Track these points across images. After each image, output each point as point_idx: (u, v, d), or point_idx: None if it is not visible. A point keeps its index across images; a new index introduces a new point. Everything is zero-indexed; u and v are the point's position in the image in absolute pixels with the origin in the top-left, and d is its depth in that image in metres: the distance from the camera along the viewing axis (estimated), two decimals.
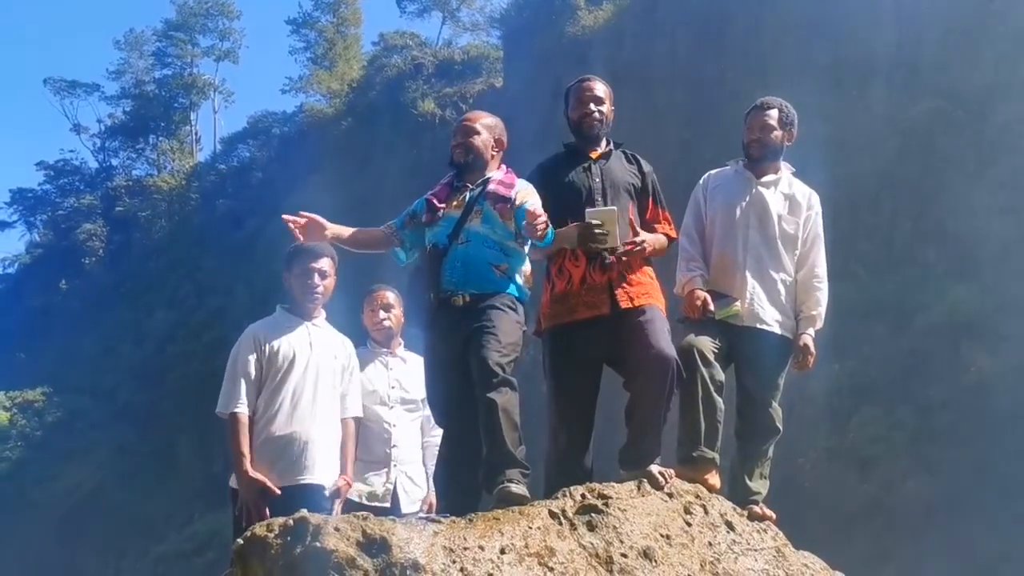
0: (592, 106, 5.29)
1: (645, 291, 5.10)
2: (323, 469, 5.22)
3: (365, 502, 5.92)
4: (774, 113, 5.55)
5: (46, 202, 57.90)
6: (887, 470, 18.30)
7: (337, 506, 5.14)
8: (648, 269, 5.23)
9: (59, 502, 39.97)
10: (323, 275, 5.41)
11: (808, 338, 5.40)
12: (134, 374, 43.64)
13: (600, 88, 5.37)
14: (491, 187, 4.95)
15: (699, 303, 5.21)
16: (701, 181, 5.67)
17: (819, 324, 5.47)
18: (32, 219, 58.31)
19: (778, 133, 5.54)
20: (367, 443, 5.93)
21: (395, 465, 5.97)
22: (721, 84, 23.10)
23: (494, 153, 5.08)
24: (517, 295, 4.92)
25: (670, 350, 4.92)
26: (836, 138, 19.29)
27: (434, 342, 4.88)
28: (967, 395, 17.56)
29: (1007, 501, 16.30)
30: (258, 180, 48.41)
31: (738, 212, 5.43)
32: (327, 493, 5.20)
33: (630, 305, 5.01)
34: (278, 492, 5.01)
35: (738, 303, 5.25)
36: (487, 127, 5.07)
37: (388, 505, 5.78)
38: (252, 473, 5.04)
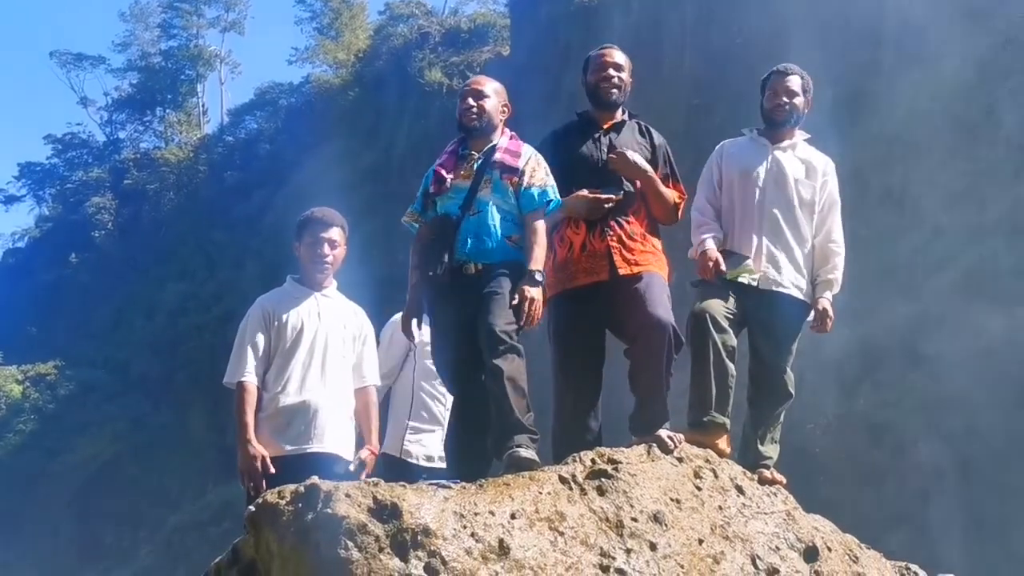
0: (611, 71, 5.33)
1: (646, 258, 5.13)
2: (334, 438, 5.23)
3: (423, 464, 6.01)
4: (796, 79, 5.57)
5: (55, 176, 57.98)
6: (897, 435, 18.30)
7: (363, 477, 5.13)
8: (652, 238, 5.24)
9: (74, 474, 40.28)
10: (333, 244, 5.40)
11: (827, 302, 5.41)
12: (146, 347, 43.83)
13: (620, 56, 5.42)
14: (498, 156, 4.93)
15: (711, 263, 5.21)
16: (716, 150, 5.67)
17: (836, 288, 5.48)
18: (41, 193, 58.49)
19: (800, 99, 5.55)
20: (424, 405, 6.04)
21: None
22: (730, 49, 22.93)
23: (501, 119, 5.07)
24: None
25: (668, 316, 4.94)
26: (845, 101, 19.18)
27: (445, 310, 4.85)
28: (978, 359, 17.52)
29: (1018, 465, 16.30)
30: (266, 151, 48.38)
31: (755, 177, 5.43)
32: (352, 467, 5.21)
33: (629, 272, 5.04)
34: (272, 470, 5.02)
35: (750, 261, 5.25)
36: (496, 92, 5.06)
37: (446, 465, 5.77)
38: (253, 443, 5.06)
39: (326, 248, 5.38)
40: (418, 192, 5.09)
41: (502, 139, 5.01)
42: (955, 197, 19.05)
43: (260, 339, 5.23)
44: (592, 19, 28.85)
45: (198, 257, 46.04)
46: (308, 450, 5.14)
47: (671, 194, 5.31)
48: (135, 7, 57.64)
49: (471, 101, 4.99)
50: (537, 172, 4.93)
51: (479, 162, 4.94)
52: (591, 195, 5.09)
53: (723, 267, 5.21)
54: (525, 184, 4.88)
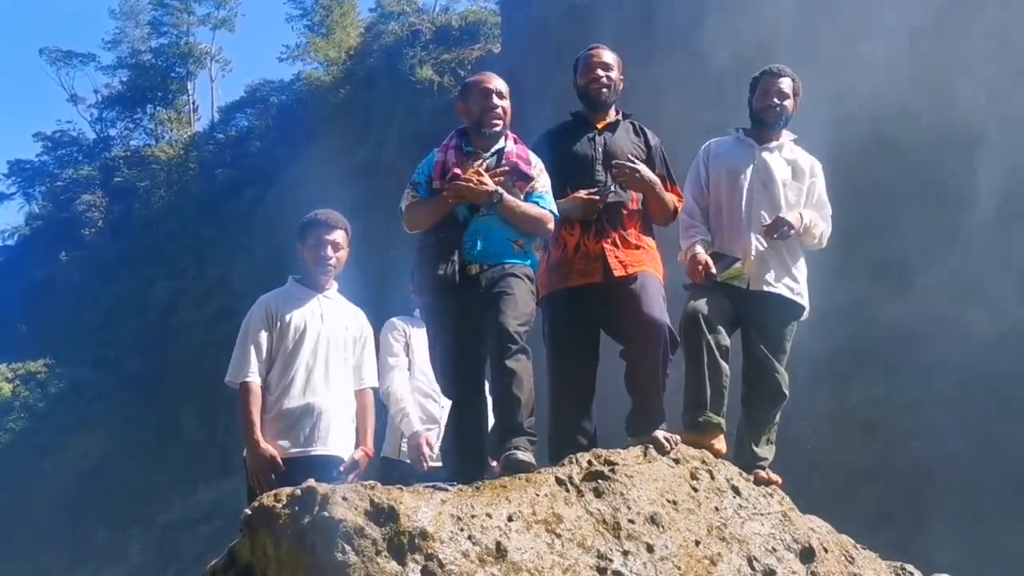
0: (600, 71, 5.30)
1: (640, 259, 5.12)
2: (337, 441, 5.23)
3: None
4: (787, 81, 5.57)
5: (44, 173, 57.77)
6: (888, 433, 18.34)
7: (350, 478, 5.14)
8: (647, 239, 5.24)
9: (65, 473, 40.16)
10: (336, 247, 5.41)
11: (792, 215, 5.33)
12: (137, 345, 43.72)
13: (609, 55, 5.39)
14: (510, 160, 4.88)
15: (700, 267, 5.22)
16: (702, 149, 5.67)
17: (815, 233, 5.43)
18: (31, 191, 58.26)
19: (790, 102, 5.55)
20: (420, 406, 6.06)
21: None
22: (721, 49, 22.95)
23: None
24: (532, 267, 4.89)
25: (663, 316, 4.94)
26: (836, 99, 19.19)
27: (446, 310, 4.76)
28: (968, 357, 17.57)
29: (1008, 462, 16.36)
30: (256, 149, 48.31)
31: (742, 178, 5.43)
32: (341, 468, 5.21)
33: (623, 273, 5.03)
34: (282, 467, 5.02)
35: (739, 263, 5.25)
36: (509, 94, 5.02)
37: (442, 464, 5.79)
38: (263, 443, 5.06)
39: (329, 250, 5.38)
40: (416, 177, 4.97)
41: (508, 142, 4.97)
42: (945, 196, 19.09)
43: (263, 338, 5.23)
44: (583, 17, 28.82)
45: (188, 255, 45.92)
46: (313, 452, 5.14)
47: (671, 198, 5.31)
48: (125, 4, 57.54)
49: (496, 101, 4.93)
50: (542, 178, 4.93)
51: (490, 163, 4.87)
52: (585, 196, 5.08)
53: (713, 270, 5.22)
54: (528, 188, 4.87)
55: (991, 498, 16.30)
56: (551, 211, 4.89)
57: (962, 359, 17.63)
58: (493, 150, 4.93)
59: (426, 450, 6.04)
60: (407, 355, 6.33)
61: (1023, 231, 17.83)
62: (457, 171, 4.82)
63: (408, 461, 6.15)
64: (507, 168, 4.83)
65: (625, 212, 5.16)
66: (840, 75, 20.05)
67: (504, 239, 4.80)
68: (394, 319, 6.48)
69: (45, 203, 56.75)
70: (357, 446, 5.38)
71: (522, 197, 4.85)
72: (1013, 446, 16.36)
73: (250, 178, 44.98)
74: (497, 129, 4.92)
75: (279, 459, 5.04)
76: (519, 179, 4.86)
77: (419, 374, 6.24)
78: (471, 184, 4.70)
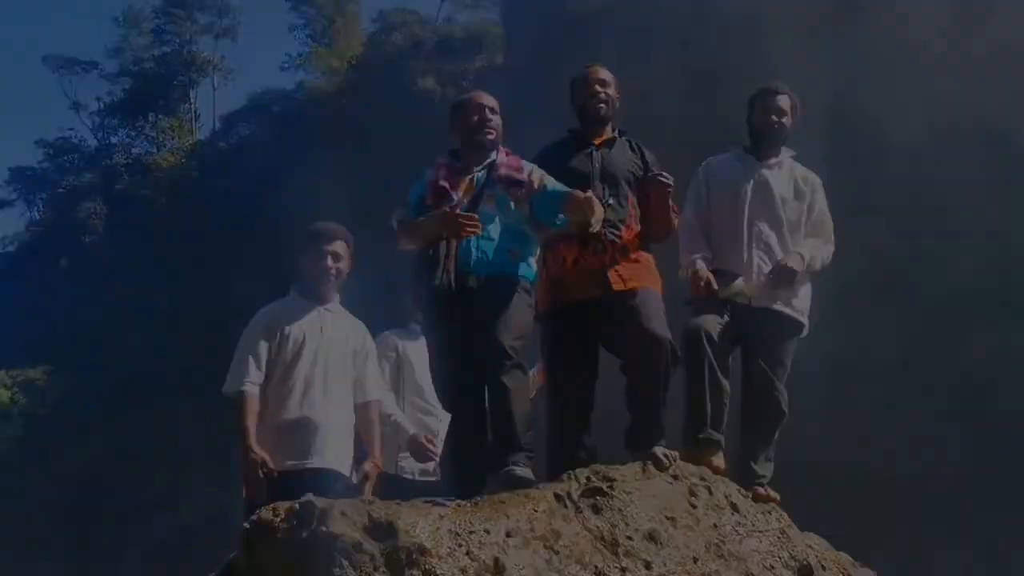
0: (598, 88, 5.35)
1: (639, 273, 5.12)
2: (335, 453, 5.22)
3: (418, 478, 6.04)
4: (786, 99, 5.60)
5: (46, 180, 57.78)
6: (888, 446, 18.34)
7: (367, 490, 5.13)
8: (645, 254, 5.25)
9: (62, 480, 40.08)
10: (336, 257, 5.42)
11: (793, 260, 5.32)
12: (135, 352, 43.62)
13: (605, 73, 5.45)
14: (501, 171, 4.90)
15: (703, 283, 5.22)
16: (702, 166, 5.69)
17: (816, 265, 5.45)
18: (32, 197, 58.30)
19: (788, 119, 5.58)
20: (417, 420, 6.09)
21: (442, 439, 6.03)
22: (722, 63, 22.97)
23: None
24: (530, 278, 4.89)
25: (664, 331, 4.93)
26: (837, 114, 19.23)
27: (444, 324, 4.77)
28: (968, 370, 17.58)
29: (1008, 476, 16.35)
30: (258, 158, 48.29)
31: (743, 195, 5.44)
32: (355, 480, 5.20)
33: (623, 287, 5.03)
34: (274, 473, 5.01)
35: (741, 280, 5.26)
36: (499, 109, 5.04)
37: (440, 479, 5.80)
38: (255, 449, 5.04)
39: (330, 261, 5.40)
40: (409, 198, 5.01)
41: (499, 155, 4.99)
42: (946, 210, 19.11)
43: (263, 349, 5.23)
44: (585, 29, 28.88)
45: (189, 263, 45.84)
46: (309, 465, 5.13)
47: (673, 217, 5.31)
48: (129, 12, 57.63)
49: (489, 115, 4.97)
50: (545, 178, 4.91)
51: (480, 176, 4.90)
52: (584, 196, 5.04)
53: (715, 287, 5.22)
54: (538, 186, 4.85)
55: (990, 511, 16.30)
56: (566, 191, 4.84)
57: (961, 372, 17.64)
58: (483, 164, 4.94)
59: (427, 444, 6.01)
60: (398, 371, 6.33)
61: (1019, 246, 17.85)
62: (444, 184, 4.85)
63: (407, 476, 6.14)
64: (475, 216, 4.75)
65: (624, 227, 5.17)
66: (844, 92, 20.09)
67: (499, 249, 4.79)
68: (387, 333, 6.46)
69: (46, 210, 56.79)
70: (362, 459, 5.38)
71: (513, 204, 4.84)
72: (1012, 459, 16.36)
73: (251, 187, 44.95)
74: (491, 137, 4.95)
75: (271, 464, 5.01)
76: (512, 186, 4.86)
77: (414, 389, 6.23)
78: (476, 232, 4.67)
